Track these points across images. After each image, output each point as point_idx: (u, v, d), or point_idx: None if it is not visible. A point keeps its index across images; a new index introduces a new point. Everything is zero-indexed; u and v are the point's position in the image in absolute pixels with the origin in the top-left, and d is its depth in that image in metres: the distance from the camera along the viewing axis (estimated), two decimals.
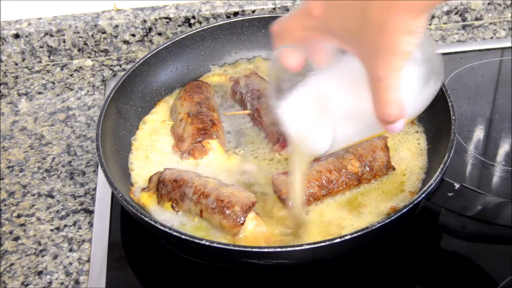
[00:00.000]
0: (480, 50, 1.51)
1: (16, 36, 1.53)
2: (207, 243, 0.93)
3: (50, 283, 1.07)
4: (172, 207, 1.09)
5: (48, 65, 1.57)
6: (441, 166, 1.02)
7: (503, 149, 1.26)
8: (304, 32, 0.79)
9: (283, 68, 0.85)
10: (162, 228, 0.96)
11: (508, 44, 1.53)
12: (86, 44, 1.56)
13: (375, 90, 0.73)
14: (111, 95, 1.21)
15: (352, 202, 1.09)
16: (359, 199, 1.10)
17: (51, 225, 1.17)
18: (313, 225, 1.06)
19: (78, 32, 1.54)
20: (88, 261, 1.10)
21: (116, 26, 1.55)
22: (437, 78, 0.85)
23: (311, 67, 0.84)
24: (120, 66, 1.56)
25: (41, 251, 1.13)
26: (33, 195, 1.23)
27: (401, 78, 0.71)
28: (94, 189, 1.23)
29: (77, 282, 1.07)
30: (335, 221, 1.06)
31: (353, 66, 0.77)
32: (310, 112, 0.90)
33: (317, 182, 1.07)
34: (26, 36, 1.53)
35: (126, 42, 1.58)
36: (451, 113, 1.11)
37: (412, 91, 0.82)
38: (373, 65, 0.72)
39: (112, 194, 1.19)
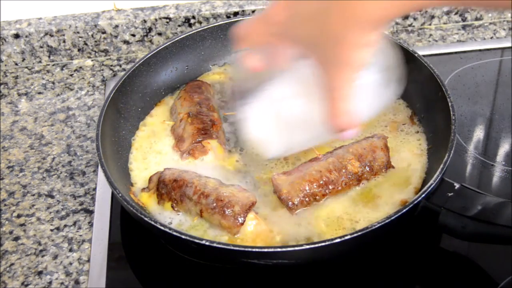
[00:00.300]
0: (480, 50, 1.51)
1: (16, 36, 1.53)
2: (207, 243, 0.93)
3: (50, 283, 1.07)
4: (172, 207, 1.09)
5: (48, 65, 1.57)
6: (441, 166, 1.02)
7: (503, 149, 1.26)
8: (265, 37, 0.81)
9: (244, 69, 0.88)
10: (162, 228, 0.96)
11: (508, 44, 1.53)
12: (86, 44, 1.56)
13: (329, 99, 0.77)
14: (111, 95, 1.21)
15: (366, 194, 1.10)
16: (373, 191, 1.11)
17: (51, 225, 1.17)
18: (324, 220, 1.06)
19: (78, 32, 1.54)
20: (88, 261, 1.10)
21: (116, 26, 1.55)
22: (397, 84, 0.90)
23: (272, 70, 0.87)
24: (120, 66, 1.56)
25: (41, 251, 1.13)
26: (33, 195, 1.23)
27: (354, 88, 0.75)
28: (94, 189, 1.23)
29: (77, 282, 1.07)
30: (346, 215, 1.07)
31: (309, 73, 0.80)
32: (267, 117, 0.94)
33: (317, 182, 1.07)
34: (26, 36, 1.53)
35: (126, 42, 1.58)
36: (451, 113, 1.11)
37: (367, 98, 0.86)
38: (329, 75, 0.75)
39: (112, 194, 1.19)
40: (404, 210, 0.96)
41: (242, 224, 1.03)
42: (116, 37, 1.56)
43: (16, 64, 1.57)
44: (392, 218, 0.95)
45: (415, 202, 0.97)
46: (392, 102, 0.90)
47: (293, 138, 0.90)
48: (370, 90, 0.87)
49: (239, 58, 0.88)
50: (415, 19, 1.61)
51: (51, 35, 1.54)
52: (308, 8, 0.74)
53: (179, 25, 1.57)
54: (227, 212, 1.03)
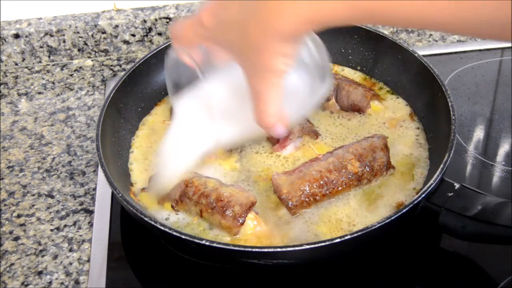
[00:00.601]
0: (480, 50, 1.51)
1: (16, 36, 1.53)
2: (207, 243, 0.93)
3: (50, 283, 1.07)
4: (172, 207, 1.09)
5: (48, 65, 1.57)
6: (441, 166, 1.02)
7: (503, 149, 1.26)
8: (196, 39, 0.84)
9: (179, 64, 0.93)
10: (162, 228, 0.96)
11: (508, 44, 1.53)
12: (86, 44, 1.56)
13: (255, 101, 0.81)
14: (111, 95, 1.21)
15: (370, 194, 1.11)
16: (376, 191, 1.11)
17: (51, 225, 1.17)
18: (324, 222, 1.06)
19: (78, 32, 1.54)
20: (88, 261, 1.10)
21: (116, 26, 1.55)
22: (326, 80, 0.94)
23: (207, 66, 0.92)
24: (120, 66, 1.56)
25: (41, 251, 1.13)
26: (33, 195, 1.23)
27: (279, 91, 0.78)
28: (94, 189, 1.23)
29: (77, 282, 1.07)
30: (346, 216, 1.07)
31: (241, 74, 0.83)
32: (199, 111, 0.99)
33: (317, 182, 1.07)
34: (26, 36, 1.53)
35: (126, 42, 1.58)
36: (451, 113, 1.11)
37: (297, 96, 0.91)
38: (253, 80, 0.79)
39: (112, 194, 1.19)
40: (404, 210, 0.96)
41: (242, 224, 1.03)
42: (116, 37, 1.56)
43: (16, 64, 1.57)
44: (392, 218, 0.95)
45: (415, 202, 0.97)
46: (323, 100, 0.96)
47: (223, 133, 0.97)
48: (298, 90, 0.91)
49: (174, 54, 0.94)
50: None
51: (51, 35, 1.54)
52: (230, 16, 0.77)
53: None
54: (227, 212, 1.03)
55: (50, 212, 1.19)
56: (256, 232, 1.04)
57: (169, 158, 1.06)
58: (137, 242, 1.12)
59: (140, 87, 1.31)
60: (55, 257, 1.11)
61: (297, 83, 0.91)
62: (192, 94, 0.99)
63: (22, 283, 1.07)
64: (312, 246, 0.93)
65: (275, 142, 1.20)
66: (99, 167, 1.10)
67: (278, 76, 0.77)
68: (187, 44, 0.88)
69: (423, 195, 0.98)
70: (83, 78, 1.53)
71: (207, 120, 0.99)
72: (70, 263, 1.10)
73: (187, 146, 1.03)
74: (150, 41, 1.58)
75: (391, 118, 1.25)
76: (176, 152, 1.05)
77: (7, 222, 1.18)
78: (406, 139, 1.20)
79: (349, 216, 1.07)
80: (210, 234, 1.05)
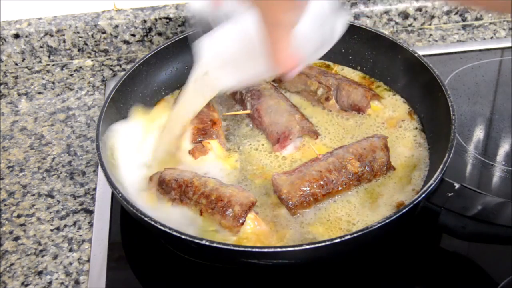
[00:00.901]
0: (480, 50, 1.51)
1: (16, 36, 1.53)
2: (207, 243, 0.93)
3: (50, 283, 1.07)
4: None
5: (48, 65, 1.57)
6: (441, 166, 1.02)
7: (503, 149, 1.26)
8: None
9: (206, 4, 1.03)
10: (162, 228, 0.96)
11: (508, 44, 1.53)
12: (86, 44, 1.56)
13: (269, 48, 0.89)
14: (111, 95, 1.21)
15: (370, 192, 1.11)
16: (377, 190, 1.11)
17: (51, 225, 1.17)
18: (323, 221, 1.07)
19: (78, 32, 1.54)
20: (88, 261, 1.10)
21: (116, 26, 1.55)
22: (338, 28, 1.02)
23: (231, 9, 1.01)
24: (120, 66, 1.56)
25: (41, 251, 1.13)
26: (33, 195, 1.23)
27: (290, 40, 0.87)
28: (94, 189, 1.23)
29: (77, 282, 1.07)
30: (346, 216, 1.07)
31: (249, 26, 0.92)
32: (225, 51, 1.06)
33: (317, 182, 1.07)
34: (26, 36, 1.53)
35: (126, 42, 1.58)
36: (451, 113, 1.11)
37: (309, 42, 0.98)
38: (267, 28, 0.87)
39: (112, 194, 1.19)
40: (404, 211, 0.96)
41: (242, 224, 1.03)
42: (116, 37, 1.56)
43: (16, 64, 1.57)
44: (392, 218, 0.95)
45: (415, 202, 0.97)
46: (335, 40, 1.04)
47: (242, 72, 1.05)
48: (309, 37, 0.98)
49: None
50: (415, 19, 1.61)
51: (51, 35, 1.54)
52: None
53: (179, 25, 1.57)
54: (227, 212, 1.03)
55: (50, 212, 1.19)
56: (256, 232, 1.04)
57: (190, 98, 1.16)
58: (137, 242, 1.12)
59: (140, 87, 1.31)
60: (55, 257, 1.11)
61: (308, 31, 0.97)
62: (222, 33, 1.05)
63: (22, 283, 1.07)
64: (312, 246, 0.93)
65: (275, 142, 1.20)
66: (99, 167, 1.10)
67: (285, 28, 0.87)
68: None
69: (423, 195, 0.98)
70: (83, 78, 1.53)
71: (228, 59, 1.06)
72: (70, 263, 1.10)
73: (211, 82, 1.12)
74: (150, 41, 1.58)
75: (391, 118, 1.25)
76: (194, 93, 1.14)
77: (7, 222, 1.18)
78: (405, 140, 1.20)
79: (349, 214, 1.07)
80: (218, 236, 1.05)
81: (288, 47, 0.89)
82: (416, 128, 1.22)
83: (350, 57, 1.37)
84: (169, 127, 1.20)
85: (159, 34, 1.58)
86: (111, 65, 1.56)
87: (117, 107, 1.24)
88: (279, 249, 0.94)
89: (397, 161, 1.16)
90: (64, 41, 1.55)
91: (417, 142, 1.20)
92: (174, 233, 0.95)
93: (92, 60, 1.58)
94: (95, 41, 1.56)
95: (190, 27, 1.11)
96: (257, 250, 0.94)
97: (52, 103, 1.45)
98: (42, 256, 1.12)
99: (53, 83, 1.52)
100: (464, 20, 1.63)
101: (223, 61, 1.07)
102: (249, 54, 1.00)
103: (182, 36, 1.36)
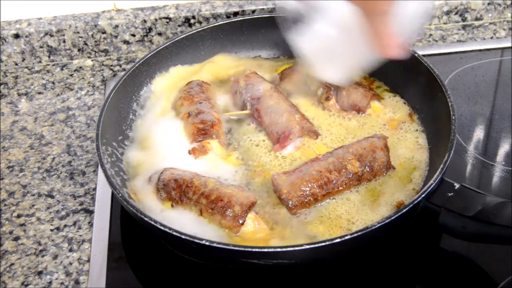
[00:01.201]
0: (480, 50, 1.51)
1: (16, 36, 1.53)
2: (207, 243, 0.93)
3: (50, 283, 1.07)
4: (172, 206, 1.09)
5: (48, 65, 1.57)
6: (441, 166, 1.02)
7: (503, 149, 1.26)
8: None
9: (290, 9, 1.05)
10: (162, 228, 0.96)
11: (508, 44, 1.53)
12: (86, 44, 1.56)
13: (374, 37, 0.93)
14: (111, 95, 1.21)
15: (372, 191, 1.11)
16: (378, 189, 1.11)
17: (51, 225, 1.17)
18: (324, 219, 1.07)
19: (78, 32, 1.54)
20: (88, 261, 1.10)
21: (116, 26, 1.55)
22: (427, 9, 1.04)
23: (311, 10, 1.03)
24: (120, 66, 1.56)
25: (41, 251, 1.13)
26: (33, 195, 1.23)
27: (391, 26, 0.90)
28: (94, 189, 1.23)
29: (77, 282, 1.07)
30: (347, 216, 1.07)
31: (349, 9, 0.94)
32: (322, 46, 1.07)
33: (317, 182, 1.07)
34: (26, 36, 1.53)
35: (126, 42, 1.58)
36: (451, 113, 1.11)
37: (408, 25, 1.01)
38: (370, 19, 0.91)
39: (112, 194, 1.19)
40: (404, 210, 0.96)
41: (242, 224, 1.03)
42: (116, 37, 1.56)
43: (16, 64, 1.57)
44: (392, 218, 0.95)
45: (415, 202, 0.97)
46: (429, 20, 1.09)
47: (344, 62, 1.08)
48: (411, 16, 1.01)
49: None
50: None
51: (51, 35, 1.54)
52: None
53: (179, 25, 1.57)
54: (227, 212, 1.03)
55: (50, 212, 1.19)
56: (256, 232, 1.04)
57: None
58: (137, 242, 1.12)
59: (140, 87, 1.31)
60: (55, 257, 1.11)
61: (407, 13, 1.00)
62: (311, 27, 1.07)
63: (22, 283, 1.07)
64: (312, 246, 0.93)
65: (275, 142, 1.20)
66: (99, 167, 1.10)
67: (388, 16, 0.90)
68: None
69: (423, 195, 0.98)
70: (83, 78, 1.53)
71: (329, 53, 1.09)
72: (70, 263, 1.10)
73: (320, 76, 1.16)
74: (150, 41, 1.58)
75: (391, 119, 1.24)
76: None
77: (7, 222, 1.18)
78: (407, 141, 1.20)
79: (349, 212, 1.07)
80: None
81: (391, 33, 0.92)
82: (417, 130, 1.22)
83: None
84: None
85: (159, 34, 1.58)
86: (111, 65, 1.56)
87: (117, 107, 1.24)
88: (279, 249, 0.94)
89: (397, 161, 1.16)
90: (64, 41, 1.55)
91: (418, 144, 1.19)
92: (174, 233, 0.95)
93: (92, 60, 1.58)
94: (95, 41, 1.56)
95: (281, 20, 1.11)
96: (257, 250, 0.94)
97: (52, 103, 1.45)
98: (42, 256, 1.12)
99: (53, 83, 1.52)
100: (464, 20, 1.63)
101: (324, 53, 1.09)
102: (349, 43, 1.02)
103: (182, 36, 1.36)
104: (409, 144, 1.19)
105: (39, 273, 1.09)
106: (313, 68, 1.14)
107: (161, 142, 1.23)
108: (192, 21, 1.57)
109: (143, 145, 1.23)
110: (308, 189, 1.06)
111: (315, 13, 1.04)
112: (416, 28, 1.02)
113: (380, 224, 0.94)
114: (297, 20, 1.07)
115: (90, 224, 1.16)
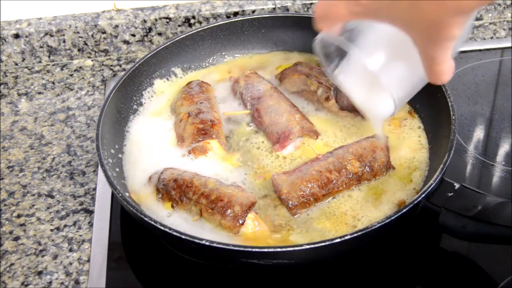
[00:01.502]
0: (480, 50, 1.51)
1: (16, 36, 1.53)
2: (207, 243, 0.93)
3: (50, 283, 1.07)
4: (172, 207, 1.09)
5: (48, 65, 1.57)
6: (441, 166, 1.02)
7: (503, 149, 1.26)
8: (350, 16, 0.87)
9: (328, 45, 0.98)
10: (162, 228, 0.96)
11: (508, 44, 1.53)
12: (86, 44, 1.56)
13: (429, 64, 0.87)
14: (111, 95, 1.21)
15: (374, 190, 1.11)
16: (380, 187, 1.11)
17: (51, 225, 1.17)
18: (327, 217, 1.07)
19: (78, 32, 1.54)
20: (88, 261, 1.10)
21: (116, 26, 1.55)
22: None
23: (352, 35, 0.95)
24: (120, 66, 1.56)
25: (41, 251, 1.13)
26: (33, 195, 1.23)
27: (450, 53, 0.85)
28: (94, 189, 1.23)
29: (77, 282, 1.07)
30: (347, 215, 1.07)
31: (394, 35, 0.88)
32: (365, 82, 1.02)
33: (317, 182, 1.07)
34: (26, 36, 1.53)
35: (126, 42, 1.58)
36: (451, 113, 1.11)
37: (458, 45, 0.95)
38: (426, 47, 0.84)
39: (112, 194, 1.19)
40: (404, 210, 0.96)
41: (242, 224, 1.03)
42: (116, 37, 1.57)
43: (16, 64, 1.57)
44: (392, 218, 0.95)
45: (415, 202, 0.97)
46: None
47: (396, 96, 0.99)
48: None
49: (322, 36, 0.96)
50: None
51: (51, 35, 1.54)
52: None
53: (179, 25, 1.57)
54: (227, 212, 1.03)
55: (50, 212, 1.19)
56: (256, 232, 1.04)
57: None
58: (137, 242, 1.12)
59: (140, 87, 1.31)
60: (55, 257, 1.11)
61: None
62: (352, 67, 1.02)
63: (22, 283, 1.07)
64: (312, 246, 0.93)
65: (275, 142, 1.20)
66: (99, 167, 1.10)
67: (452, 42, 0.83)
68: (338, 21, 0.90)
69: (423, 195, 0.98)
70: (83, 78, 1.53)
71: (376, 89, 1.02)
72: (70, 263, 1.10)
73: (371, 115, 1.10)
74: (150, 41, 1.58)
75: (391, 119, 1.24)
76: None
77: (7, 222, 1.18)
78: (410, 140, 1.20)
79: (353, 209, 1.07)
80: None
81: (448, 59, 0.86)
82: (419, 127, 1.22)
83: None
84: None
85: (159, 34, 1.58)
86: (111, 65, 1.56)
87: (117, 107, 1.24)
88: (279, 249, 0.93)
89: (397, 162, 1.16)
90: (64, 41, 1.55)
91: (420, 143, 1.19)
92: (174, 233, 0.95)
93: (92, 60, 1.58)
94: (95, 41, 1.56)
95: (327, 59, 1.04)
96: (257, 250, 0.94)
97: (52, 103, 1.45)
98: (42, 256, 1.12)
99: (53, 83, 1.52)
100: None
101: (372, 87, 1.02)
102: (408, 61, 0.95)
103: (182, 36, 1.36)
104: (412, 143, 1.19)
105: (39, 273, 1.09)
106: (362, 105, 1.07)
107: (160, 142, 1.23)
108: (192, 21, 1.57)
109: (142, 145, 1.23)
110: (308, 189, 1.07)
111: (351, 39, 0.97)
112: (457, 50, 0.97)
113: (380, 224, 0.94)
114: (340, 55, 1.01)
115: (90, 224, 1.16)
